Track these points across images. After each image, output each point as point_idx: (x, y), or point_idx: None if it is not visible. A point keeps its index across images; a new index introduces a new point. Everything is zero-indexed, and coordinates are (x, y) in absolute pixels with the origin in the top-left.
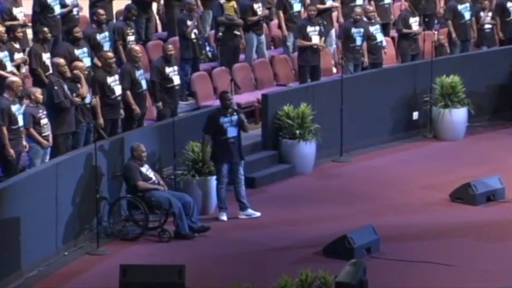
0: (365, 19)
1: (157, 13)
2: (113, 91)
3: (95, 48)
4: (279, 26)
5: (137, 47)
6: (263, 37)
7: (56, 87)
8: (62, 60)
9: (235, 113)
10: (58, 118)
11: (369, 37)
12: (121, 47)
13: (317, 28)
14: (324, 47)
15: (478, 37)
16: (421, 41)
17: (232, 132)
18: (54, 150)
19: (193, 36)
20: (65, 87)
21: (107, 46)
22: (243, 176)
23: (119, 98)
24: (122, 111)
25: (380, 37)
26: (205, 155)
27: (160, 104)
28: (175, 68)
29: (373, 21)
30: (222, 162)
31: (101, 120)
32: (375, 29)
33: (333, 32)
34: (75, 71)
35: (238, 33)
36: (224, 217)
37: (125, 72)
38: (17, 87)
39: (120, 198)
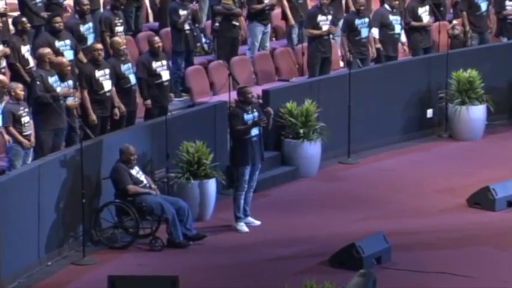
0: (387, 7)
1: (150, 2)
2: (101, 86)
3: (79, 41)
4: (284, 16)
5: (119, 39)
6: (269, 27)
7: (37, 81)
8: (48, 50)
9: (255, 109)
10: (43, 113)
11: (386, 26)
12: (108, 38)
13: (329, 17)
14: (335, 32)
15: (497, 27)
16: (436, 32)
17: (254, 130)
18: (39, 149)
19: (186, 27)
20: (49, 80)
21: (91, 38)
22: (255, 182)
23: (108, 93)
24: (116, 110)
25: (398, 29)
26: None
27: (149, 102)
28: (164, 62)
29: (394, 10)
30: (245, 164)
31: (93, 117)
32: (395, 20)
33: (341, 22)
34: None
35: (237, 23)
36: (245, 228)
37: (109, 67)
38: (3, 85)
39: (108, 203)
